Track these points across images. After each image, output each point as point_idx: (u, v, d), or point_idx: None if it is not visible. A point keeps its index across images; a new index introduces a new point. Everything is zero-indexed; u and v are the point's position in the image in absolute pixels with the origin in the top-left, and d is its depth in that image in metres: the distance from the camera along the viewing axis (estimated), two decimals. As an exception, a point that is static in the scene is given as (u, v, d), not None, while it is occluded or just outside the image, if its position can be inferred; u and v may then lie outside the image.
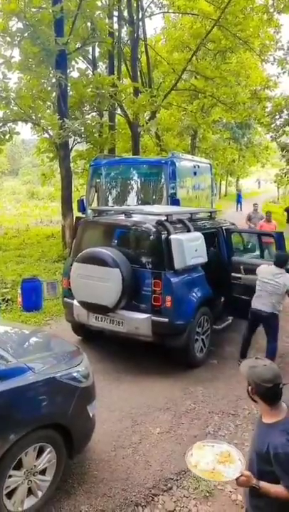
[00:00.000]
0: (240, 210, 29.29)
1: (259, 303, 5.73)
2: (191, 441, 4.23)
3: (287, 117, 19.65)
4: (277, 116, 20.09)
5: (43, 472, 3.27)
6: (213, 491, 3.62)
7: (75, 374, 3.51)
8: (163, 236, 5.61)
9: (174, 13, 19.94)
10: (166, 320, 5.45)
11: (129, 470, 3.79)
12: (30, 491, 3.21)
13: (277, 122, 20.21)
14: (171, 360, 5.87)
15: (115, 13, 16.33)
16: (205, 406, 4.92)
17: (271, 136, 21.55)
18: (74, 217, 12.19)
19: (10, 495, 3.09)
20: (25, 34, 11.92)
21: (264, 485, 2.19)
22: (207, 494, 3.58)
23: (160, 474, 3.76)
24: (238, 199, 31.85)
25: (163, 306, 5.46)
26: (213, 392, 5.23)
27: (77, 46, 13.58)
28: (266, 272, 5.74)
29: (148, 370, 5.69)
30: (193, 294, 5.83)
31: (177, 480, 3.72)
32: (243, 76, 21.11)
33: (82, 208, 10.94)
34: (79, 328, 6.54)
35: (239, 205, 30.82)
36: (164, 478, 3.72)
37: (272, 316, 5.69)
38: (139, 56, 17.91)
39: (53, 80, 12.01)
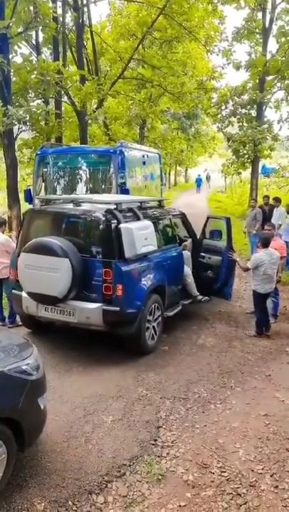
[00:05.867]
0: (199, 192, 36.04)
1: None
2: (143, 427, 4.30)
3: (232, 108, 20.13)
4: (223, 107, 20.57)
5: (-8, 468, 3.19)
6: (165, 473, 3.70)
7: (24, 367, 3.44)
8: (113, 225, 5.57)
9: (119, 0, 19.70)
10: (118, 309, 5.45)
11: (82, 459, 3.79)
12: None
13: (223, 113, 20.70)
14: (122, 348, 5.89)
15: (59, -2, 15.86)
16: (157, 392, 4.99)
17: (217, 127, 22.02)
18: (21, 208, 11.89)
19: None
20: None
21: None
22: (160, 477, 3.65)
23: (113, 461, 3.79)
24: (198, 182, 37.51)
25: (114, 295, 5.46)
26: (164, 378, 5.32)
27: (19, 30, 13.08)
28: None
29: (99, 360, 5.69)
30: (144, 283, 5.87)
31: (130, 465, 3.77)
32: (189, 66, 21.34)
33: (29, 199, 10.64)
34: (29, 320, 6.42)
35: (198, 188, 36.73)
36: (117, 465, 3.75)
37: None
38: (85, 43, 17.54)
39: (-5, 65, 11.51)
